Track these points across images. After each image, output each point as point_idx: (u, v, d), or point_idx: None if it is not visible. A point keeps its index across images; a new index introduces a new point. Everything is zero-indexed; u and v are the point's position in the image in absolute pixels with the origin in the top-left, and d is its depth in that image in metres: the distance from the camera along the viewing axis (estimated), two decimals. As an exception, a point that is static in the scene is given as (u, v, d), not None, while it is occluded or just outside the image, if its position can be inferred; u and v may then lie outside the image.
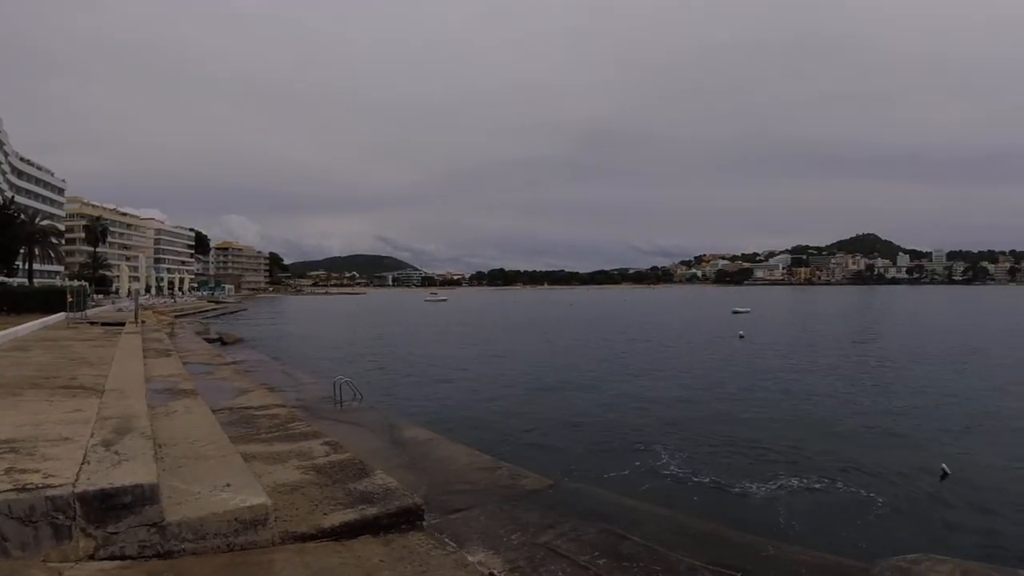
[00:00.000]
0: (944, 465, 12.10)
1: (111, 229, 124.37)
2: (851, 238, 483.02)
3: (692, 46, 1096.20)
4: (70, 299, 34.06)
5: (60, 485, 5.04)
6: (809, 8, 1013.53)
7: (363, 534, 6.28)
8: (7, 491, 4.87)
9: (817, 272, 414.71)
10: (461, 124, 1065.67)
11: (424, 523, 6.88)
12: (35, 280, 61.44)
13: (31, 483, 5.05)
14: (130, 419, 7.75)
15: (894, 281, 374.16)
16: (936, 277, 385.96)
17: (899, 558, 6.73)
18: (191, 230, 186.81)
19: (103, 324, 31.39)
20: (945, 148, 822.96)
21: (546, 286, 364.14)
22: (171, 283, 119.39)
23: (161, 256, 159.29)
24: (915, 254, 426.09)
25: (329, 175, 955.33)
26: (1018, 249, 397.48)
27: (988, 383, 23.44)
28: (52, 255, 69.69)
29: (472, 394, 21.54)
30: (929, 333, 48.50)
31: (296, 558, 5.48)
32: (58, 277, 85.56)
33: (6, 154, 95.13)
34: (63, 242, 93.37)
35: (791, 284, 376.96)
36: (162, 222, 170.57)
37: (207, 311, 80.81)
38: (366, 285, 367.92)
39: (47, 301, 36.03)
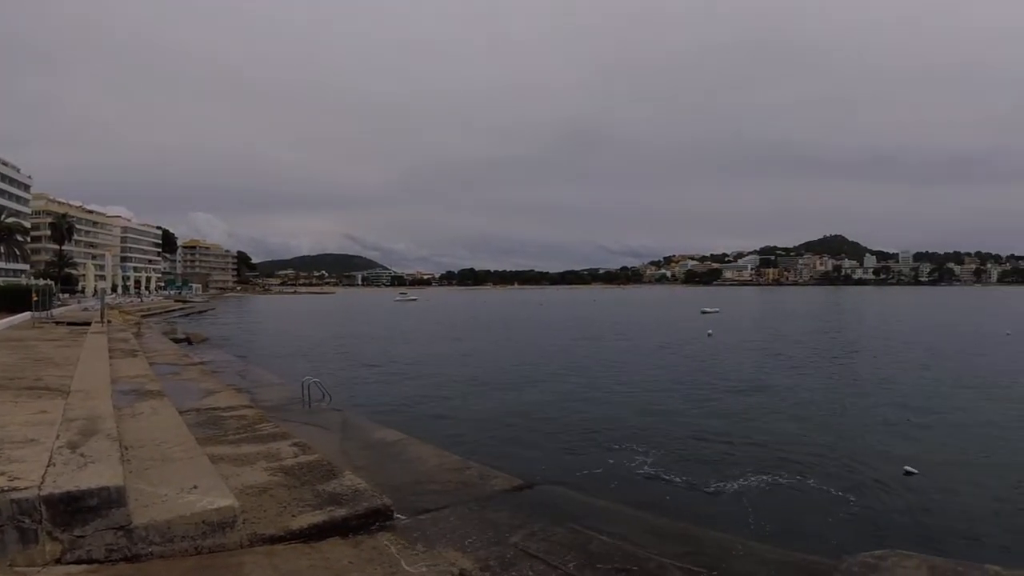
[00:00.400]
0: (907, 467, 12.32)
1: (77, 227, 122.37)
2: (819, 239, 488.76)
3: (664, 49, 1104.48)
4: (35, 298, 33.41)
5: (26, 488, 4.99)
6: (779, 15, 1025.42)
7: (332, 535, 6.29)
8: (-29, 495, 4.81)
9: (785, 273, 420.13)
10: (431, 123, 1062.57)
11: (393, 524, 6.91)
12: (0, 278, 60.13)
13: (-5, 486, 4.99)
14: (96, 421, 7.68)
15: (861, 282, 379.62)
16: (903, 278, 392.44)
17: (866, 554, 6.82)
18: (158, 228, 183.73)
19: (69, 324, 30.95)
20: (912, 151, 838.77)
21: (516, 286, 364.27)
22: (138, 282, 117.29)
23: (128, 255, 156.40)
24: (882, 255, 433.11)
25: (298, 173, 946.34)
26: (983, 251, 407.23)
27: (953, 382, 23.94)
28: (17, 253, 68.45)
29: (442, 394, 21.51)
30: (896, 333, 49.35)
31: (265, 560, 5.49)
32: (23, 276, 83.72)
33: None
34: (29, 240, 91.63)
35: (759, 285, 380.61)
36: (129, 220, 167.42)
37: (174, 310, 79.90)
38: (335, 285, 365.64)
39: (12, 300, 35.45)
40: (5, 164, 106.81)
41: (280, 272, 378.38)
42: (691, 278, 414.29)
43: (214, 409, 12.75)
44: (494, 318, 75.52)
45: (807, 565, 7.11)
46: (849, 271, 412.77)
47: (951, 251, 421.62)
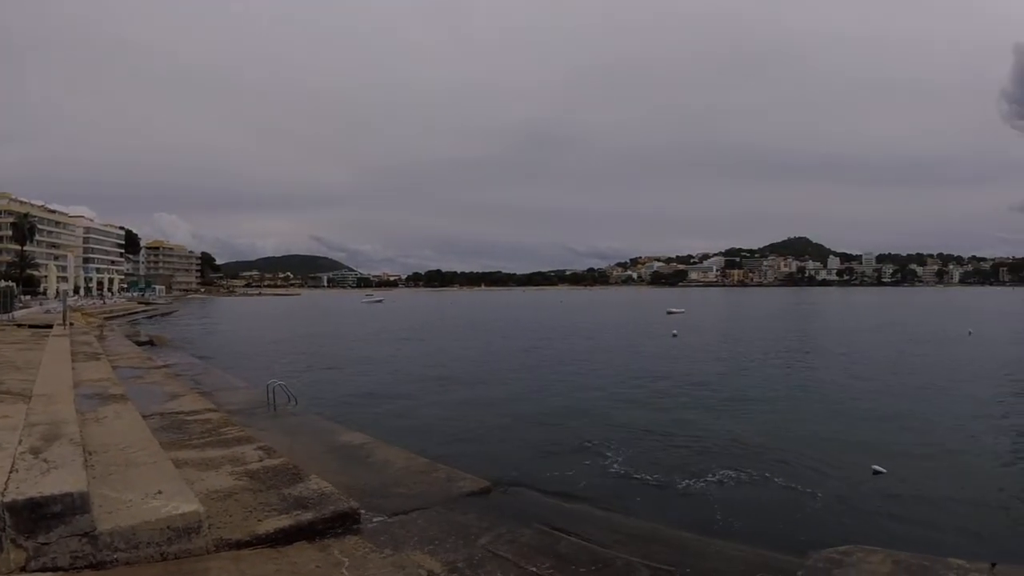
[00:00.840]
0: (875, 466, 12.44)
1: (39, 227, 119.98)
2: (783, 241, 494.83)
3: (630, 53, 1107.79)
4: (-4, 300, 32.83)
5: (-12, 495, 4.94)
6: (744, 22, 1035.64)
7: (299, 540, 6.28)
8: (-70, 503, 4.75)
9: (750, 274, 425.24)
10: (397, 123, 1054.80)
11: (361, 527, 6.93)
12: (-43, 280, 58.80)
13: (-44, 494, 4.93)
14: (59, 425, 7.58)
15: (825, 283, 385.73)
16: (866, 279, 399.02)
17: (831, 550, 6.94)
18: (121, 228, 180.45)
19: (30, 326, 30.42)
20: (875, 155, 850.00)
21: (483, 287, 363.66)
22: (100, 283, 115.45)
23: (90, 255, 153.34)
24: (845, 257, 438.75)
25: (263, 173, 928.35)
26: (945, 252, 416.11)
27: (919, 381, 24.35)
28: (-24, 254, 66.82)
29: (409, 396, 21.44)
30: (860, 333, 50.22)
31: (231, 566, 5.48)
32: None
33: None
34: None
35: (725, 286, 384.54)
36: (91, 220, 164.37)
37: (137, 312, 78.53)
38: (300, 286, 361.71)
39: (-27, 302, 34.65)
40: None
41: (245, 273, 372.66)
42: (657, 279, 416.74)
43: (178, 413, 12.61)
44: (461, 320, 75.40)
45: (774, 562, 7.23)
46: (813, 272, 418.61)
47: (914, 252, 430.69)
